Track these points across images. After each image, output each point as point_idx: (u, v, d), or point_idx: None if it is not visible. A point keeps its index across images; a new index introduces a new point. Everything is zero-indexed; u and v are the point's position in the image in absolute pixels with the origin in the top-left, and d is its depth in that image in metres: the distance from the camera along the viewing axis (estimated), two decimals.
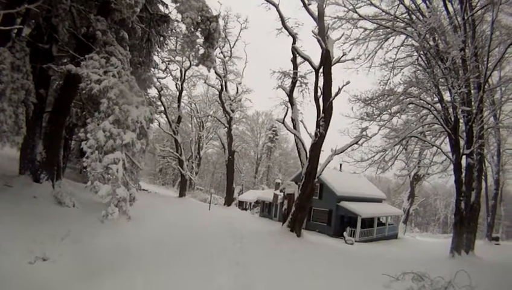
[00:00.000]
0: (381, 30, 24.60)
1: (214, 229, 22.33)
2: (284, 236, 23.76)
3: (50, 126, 17.62)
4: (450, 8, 24.95)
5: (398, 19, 24.06)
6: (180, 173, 52.90)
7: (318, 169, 26.02)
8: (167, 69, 44.59)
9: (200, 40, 18.71)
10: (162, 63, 41.12)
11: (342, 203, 38.38)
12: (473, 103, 24.45)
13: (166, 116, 49.13)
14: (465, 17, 23.53)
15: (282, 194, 37.35)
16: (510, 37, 23.50)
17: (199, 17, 17.53)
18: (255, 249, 17.47)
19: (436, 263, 20.45)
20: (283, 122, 28.59)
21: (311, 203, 28.62)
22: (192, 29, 17.79)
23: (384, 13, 24.81)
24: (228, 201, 54.49)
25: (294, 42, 27.27)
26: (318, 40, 24.95)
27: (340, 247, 28.07)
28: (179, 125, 51.06)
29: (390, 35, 24.63)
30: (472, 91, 24.88)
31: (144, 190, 39.14)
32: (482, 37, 26.02)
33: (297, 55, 27.74)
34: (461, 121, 25.08)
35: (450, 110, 24.71)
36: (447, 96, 25.23)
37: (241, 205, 63.60)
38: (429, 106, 25.25)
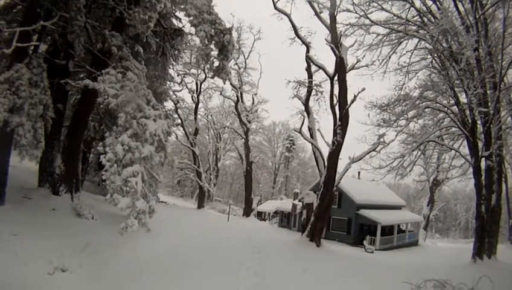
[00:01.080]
0: (393, 34, 24.52)
1: (233, 240, 22.32)
2: (303, 246, 23.65)
3: (68, 140, 17.86)
4: (461, 8, 24.64)
5: (410, 22, 23.98)
6: (198, 185, 53.16)
7: (336, 178, 25.90)
8: (183, 82, 45.10)
9: (215, 53, 18.83)
10: (178, 76, 41.63)
11: (361, 211, 38.16)
12: (489, 104, 24.09)
13: (184, 129, 49.54)
14: (477, 16, 23.12)
15: (300, 203, 37.15)
16: None
17: (213, 30, 17.66)
18: (274, 260, 17.40)
19: (457, 269, 20.16)
20: (300, 132, 28.63)
21: (330, 212, 28.39)
22: (207, 42, 17.92)
23: (395, 17, 24.78)
24: (247, 212, 54.56)
25: (308, 51, 27.35)
26: (331, 48, 25.02)
27: (360, 256, 27.93)
28: (196, 138, 51.54)
29: (403, 39, 24.50)
30: (488, 91, 24.57)
31: (162, 202, 39.30)
32: (494, 35, 25.60)
33: (311, 63, 27.77)
34: (478, 122, 24.62)
35: (467, 112, 24.34)
36: (463, 98, 24.84)
37: (260, 215, 63.58)
38: (446, 108, 25.02)
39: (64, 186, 17.06)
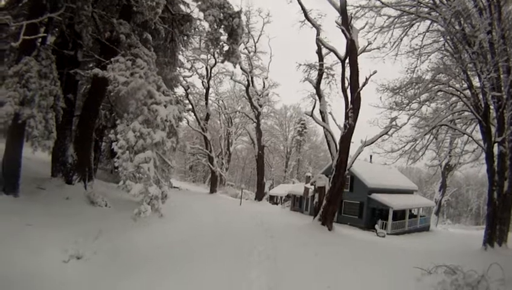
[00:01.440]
0: (405, 16, 24.15)
1: (245, 225, 22.47)
2: (315, 230, 23.76)
3: (80, 129, 18.00)
4: None
5: (422, 4, 23.48)
6: (210, 170, 53.39)
7: (348, 161, 25.89)
8: (193, 68, 45.01)
9: (224, 37, 18.78)
10: (188, 62, 41.59)
11: (373, 195, 38.16)
12: (503, 88, 23.64)
13: (195, 114, 49.69)
14: None
15: (312, 187, 37.16)
16: None
17: (221, 14, 17.62)
18: (286, 244, 17.46)
19: (468, 255, 20.11)
20: (311, 115, 28.60)
21: (342, 196, 28.30)
22: (216, 27, 17.89)
23: None
24: (259, 196, 54.73)
25: (318, 34, 27.14)
26: (342, 31, 24.82)
27: (371, 240, 27.94)
28: (208, 123, 51.67)
29: (414, 21, 24.14)
30: (502, 76, 23.93)
31: (175, 187, 39.56)
32: (508, 18, 24.83)
33: (322, 46, 27.58)
34: (492, 107, 24.29)
35: (480, 96, 23.95)
36: (476, 82, 24.44)
37: (272, 199, 63.83)
38: (458, 92, 24.82)
39: (77, 175, 17.22)
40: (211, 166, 51.54)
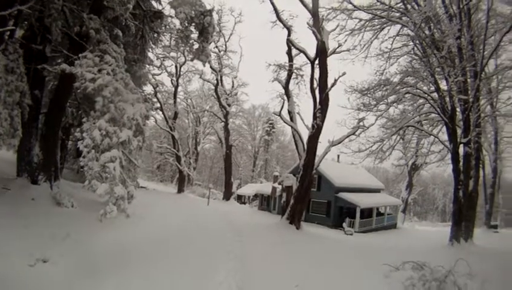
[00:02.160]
0: (376, 20, 24.48)
1: (213, 224, 22.38)
2: (283, 229, 23.86)
3: (46, 127, 17.55)
4: None
5: (393, 9, 23.92)
6: (178, 169, 52.99)
7: (316, 161, 26.17)
8: (162, 66, 44.35)
9: (195, 35, 18.73)
10: (157, 59, 41.00)
11: (341, 194, 38.56)
12: (469, 92, 24.57)
13: (163, 113, 49.23)
14: (461, 6, 23.61)
15: (280, 187, 37.35)
16: (506, 25, 23.51)
17: (193, 12, 17.52)
18: (254, 243, 17.50)
19: (435, 251, 20.64)
20: (279, 115, 28.71)
21: (310, 195, 28.55)
22: (186, 24, 17.80)
23: (379, 3, 24.65)
24: (227, 195, 54.63)
25: (289, 34, 27.28)
26: (313, 32, 25.00)
27: (339, 238, 28.24)
28: (176, 121, 51.30)
29: (385, 25, 24.51)
30: (468, 80, 25.01)
31: (142, 187, 39.13)
32: (477, 25, 26.15)
33: (292, 47, 27.73)
34: (458, 109, 25.22)
35: (447, 99, 24.78)
36: (443, 86, 25.24)
37: (240, 199, 63.86)
38: (426, 95, 25.34)
39: (43, 175, 16.79)
40: (179, 165, 51.23)
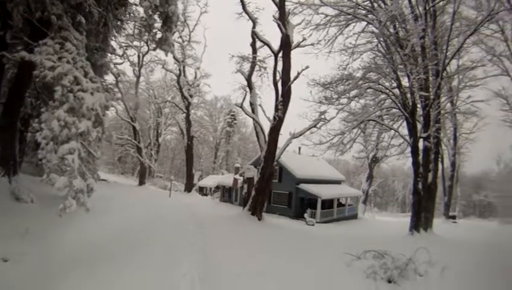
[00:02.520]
0: (342, 16, 24.53)
1: (175, 217, 22.23)
2: (245, 220, 23.92)
3: (4, 118, 16.98)
4: None
5: (360, 6, 24.11)
6: (139, 161, 52.30)
7: (277, 152, 26.42)
8: (124, 55, 43.34)
9: (158, 24, 18.50)
10: (120, 48, 40.21)
11: (302, 185, 38.84)
12: (430, 89, 25.39)
13: (124, 103, 48.24)
14: (427, 7, 24.21)
15: (241, 178, 37.45)
16: (470, 28, 24.38)
17: (157, 0, 17.26)
18: (217, 235, 17.48)
19: (396, 241, 21.16)
20: (241, 107, 28.63)
21: (271, 186, 28.87)
22: (151, 13, 17.58)
23: (346, 0, 24.90)
24: (188, 187, 54.33)
25: (254, 27, 27.35)
26: (278, 25, 25.16)
27: (301, 228, 28.59)
28: (137, 112, 50.43)
29: (351, 21, 24.64)
30: (430, 78, 25.81)
31: (103, 180, 38.53)
32: (442, 27, 27.15)
33: (256, 39, 27.80)
34: (419, 106, 26.01)
35: (408, 95, 25.42)
36: (405, 82, 25.82)
37: (202, 190, 63.76)
38: (388, 90, 25.85)
39: (1, 169, 16.29)
40: (140, 157, 50.61)
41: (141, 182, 50.40)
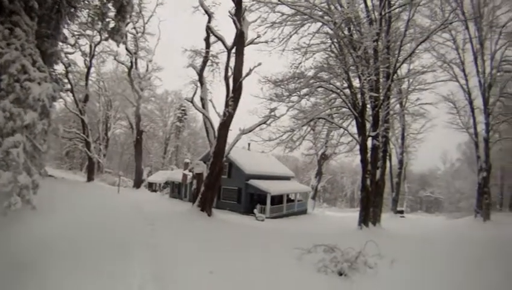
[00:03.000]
0: (298, 16, 24.70)
1: (125, 214, 21.85)
2: (195, 216, 23.85)
3: None
4: (369, 3, 26.47)
5: (317, 7, 24.41)
6: (87, 156, 50.88)
7: (226, 148, 26.61)
8: (76, 44, 42.07)
9: (112, 14, 18.15)
10: (72, 36, 39.21)
11: (251, 181, 39.21)
12: (381, 90, 26.43)
13: (73, 95, 46.40)
14: (383, 13, 25.20)
15: (191, 174, 37.35)
16: (423, 35, 25.81)
17: None
18: (167, 231, 17.32)
19: (345, 235, 21.55)
20: (192, 102, 28.56)
21: (221, 182, 29.13)
22: (105, 1, 17.22)
23: (303, 0, 25.14)
24: (137, 183, 53.69)
25: (209, 21, 27.25)
26: (234, 21, 25.20)
27: (251, 224, 28.81)
28: (86, 105, 48.98)
29: (306, 21, 24.83)
30: (381, 80, 26.89)
31: (50, 176, 37.60)
32: (396, 32, 28.41)
33: (211, 34, 27.72)
34: (368, 106, 26.85)
35: (358, 95, 26.22)
36: (356, 83, 26.56)
37: (151, 186, 63.27)
38: (338, 90, 26.59)
39: None
40: (88, 152, 49.01)
41: (90, 178, 48.79)
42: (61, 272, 9.68)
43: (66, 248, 11.76)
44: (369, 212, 26.13)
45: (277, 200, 41.35)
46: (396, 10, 26.76)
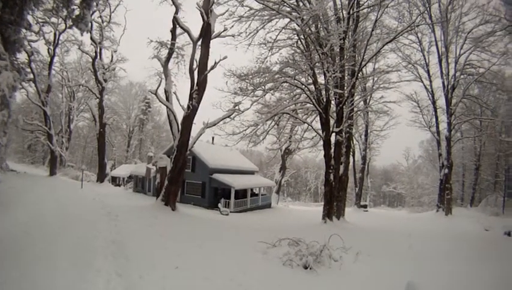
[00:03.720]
0: (266, 11, 24.69)
1: (88, 209, 21.44)
2: (159, 211, 23.68)
3: None
4: (338, 2, 27.20)
5: (286, 3, 24.43)
6: (50, 150, 49.79)
7: (190, 142, 26.53)
8: (40, 31, 41.12)
9: (78, 0, 17.75)
10: (36, 24, 38.33)
11: (215, 175, 39.28)
12: (345, 88, 27.02)
13: (36, 85, 45.01)
14: (351, 12, 25.92)
15: (155, 168, 37.16)
16: (389, 36, 26.75)
17: None
18: (131, 226, 17.10)
19: (310, 229, 21.99)
20: (156, 94, 28.16)
21: (184, 176, 29.10)
22: None
23: None
24: (101, 177, 52.64)
25: (176, 12, 26.92)
26: (201, 13, 25.06)
27: (215, 218, 28.85)
28: (49, 96, 47.79)
29: (274, 17, 24.84)
30: (346, 77, 27.53)
31: (12, 170, 36.84)
32: (363, 31, 29.27)
33: (177, 26, 27.37)
34: (332, 102, 27.65)
35: (323, 92, 26.63)
36: (321, 80, 27.03)
37: (114, 180, 62.81)
38: (303, 86, 26.96)
39: None
40: (50, 145, 47.79)
41: (52, 173, 47.74)
42: (19, 271, 9.39)
43: (25, 245, 11.48)
44: (333, 207, 26.62)
45: (241, 194, 41.76)
46: (365, 10, 27.46)
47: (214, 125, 26.55)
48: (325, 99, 26.38)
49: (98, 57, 49.56)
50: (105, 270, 9.95)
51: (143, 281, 9.54)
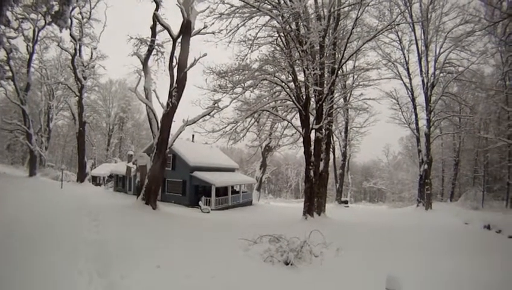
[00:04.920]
0: (247, 9, 24.64)
1: (68, 210, 21.18)
2: (140, 210, 23.70)
3: None
4: (319, 0, 27.44)
5: (267, 1, 24.55)
6: (29, 149, 49.13)
7: (170, 140, 26.56)
8: (20, 28, 40.59)
9: None
10: (15, 20, 37.84)
11: (196, 173, 39.40)
12: (325, 85, 27.22)
13: (14, 83, 44.27)
14: (332, 10, 26.22)
15: (135, 166, 37.02)
16: (369, 34, 26.51)
17: None
18: (112, 226, 16.99)
19: (290, 225, 22.08)
20: (135, 92, 28.07)
21: (165, 174, 29.11)
22: None
23: None
24: (81, 177, 51.98)
25: (157, 9, 26.91)
26: (181, 10, 25.08)
27: (197, 216, 28.87)
28: (28, 94, 47.14)
29: (255, 14, 24.77)
30: (326, 74, 27.73)
31: None
32: (343, 30, 29.61)
33: (157, 22, 27.30)
34: (312, 99, 27.81)
35: (303, 89, 26.72)
36: (301, 77, 27.12)
37: (95, 180, 62.42)
38: (283, 83, 26.85)
39: None
40: (30, 145, 47.03)
41: (32, 173, 47.05)
42: None
43: (5, 244, 11.37)
44: (314, 203, 26.76)
45: (222, 191, 41.87)
46: (346, 8, 27.61)
47: (194, 122, 26.50)
48: (304, 97, 26.43)
49: (78, 54, 48.70)
50: (86, 271, 9.87)
51: (124, 280, 9.47)
